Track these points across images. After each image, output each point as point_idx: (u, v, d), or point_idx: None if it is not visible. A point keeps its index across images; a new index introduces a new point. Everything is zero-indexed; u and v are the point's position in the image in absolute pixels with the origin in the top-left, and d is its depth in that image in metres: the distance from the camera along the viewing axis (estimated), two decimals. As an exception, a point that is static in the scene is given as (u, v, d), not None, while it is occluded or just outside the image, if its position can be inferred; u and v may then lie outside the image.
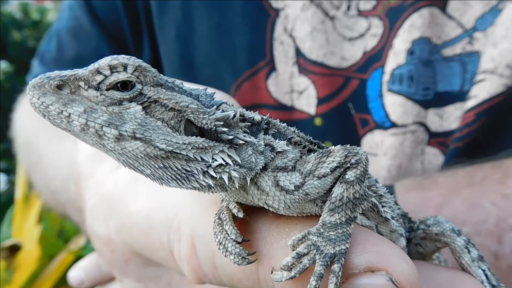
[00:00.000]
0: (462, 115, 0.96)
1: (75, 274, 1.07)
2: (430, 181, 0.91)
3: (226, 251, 0.54)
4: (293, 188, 0.55)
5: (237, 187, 0.55)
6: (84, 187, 0.79)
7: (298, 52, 1.04)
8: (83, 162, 0.80)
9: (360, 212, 0.53)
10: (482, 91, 0.93)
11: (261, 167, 0.55)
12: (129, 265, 0.74)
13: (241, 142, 0.54)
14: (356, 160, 0.54)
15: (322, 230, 0.52)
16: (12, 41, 3.65)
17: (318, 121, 1.04)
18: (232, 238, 0.54)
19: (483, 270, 0.63)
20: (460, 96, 0.98)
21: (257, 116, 0.58)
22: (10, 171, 2.97)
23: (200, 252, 0.59)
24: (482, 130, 0.94)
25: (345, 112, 1.04)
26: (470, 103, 0.94)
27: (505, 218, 0.81)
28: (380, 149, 1.01)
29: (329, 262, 0.49)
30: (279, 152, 0.57)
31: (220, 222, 0.57)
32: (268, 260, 0.53)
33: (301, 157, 0.57)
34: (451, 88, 0.99)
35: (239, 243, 0.54)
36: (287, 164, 0.56)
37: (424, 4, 0.98)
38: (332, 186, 0.54)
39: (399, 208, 0.67)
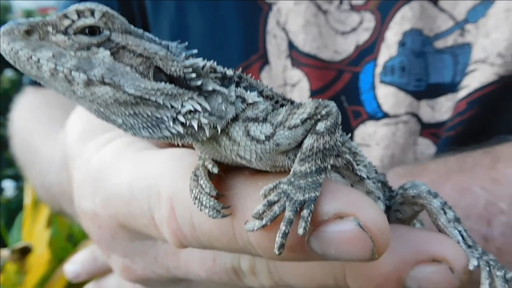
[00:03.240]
0: (454, 106, 0.98)
1: (71, 268, 1.09)
2: (421, 168, 0.92)
3: (201, 205, 0.56)
4: (263, 138, 0.57)
5: (207, 135, 0.56)
6: (72, 168, 0.80)
7: (291, 45, 1.06)
8: (71, 144, 0.81)
9: (331, 163, 0.55)
10: (473, 80, 0.94)
11: (231, 116, 0.57)
12: (115, 240, 0.75)
13: (210, 89, 0.56)
14: (326, 112, 0.55)
15: (292, 179, 0.53)
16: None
17: None
18: (206, 192, 0.56)
19: (459, 231, 0.64)
20: (452, 87, 0.99)
21: (229, 71, 0.60)
22: (19, 177, 3.01)
23: (179, 214, 0.60)
24: (473, 119, 0.95)
25: (338, 105, 1.06)
26: (462, 93, 0.95)
27: (494, 202, 0.82)
28: (372, 140, 1.02)
29: (298, 209, 0.51)
30: (250, 103, 0.58)
31: (195, 178, 0.58)
32: (242, 213, 0.54)
33: (273, 110, 0.59)
34: (443, 80, 1.00)
35: (213, 196, 0.56)
36: (258, 115, 0.58)
37: None
38: (304, 140, 0.56)
39: (376, 172, 0.68)
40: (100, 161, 0.73)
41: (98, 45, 0.53)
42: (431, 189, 0.67)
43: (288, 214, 0.51)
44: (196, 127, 0.55)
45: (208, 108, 0.56)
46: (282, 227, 0.50)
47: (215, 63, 0.59)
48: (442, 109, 1.00)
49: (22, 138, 1.33)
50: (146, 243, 0.75)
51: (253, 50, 1.09)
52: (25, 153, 1.32)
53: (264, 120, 0.58)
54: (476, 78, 0.94)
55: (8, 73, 3.53)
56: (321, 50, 1.05)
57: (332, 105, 0.56)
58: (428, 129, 1.02)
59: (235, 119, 0.58)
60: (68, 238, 2.38)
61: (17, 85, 3.41)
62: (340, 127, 0.57)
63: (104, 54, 0.53)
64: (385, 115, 1.01)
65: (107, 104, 0.53)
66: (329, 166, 0.55)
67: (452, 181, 0.86)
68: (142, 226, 0.68)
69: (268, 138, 0.57)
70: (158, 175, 0.64)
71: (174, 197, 0.61)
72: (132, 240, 0.75)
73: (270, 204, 0.52)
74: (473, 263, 0.59)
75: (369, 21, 1.04)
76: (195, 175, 0.59)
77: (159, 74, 0.55)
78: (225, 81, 0.59)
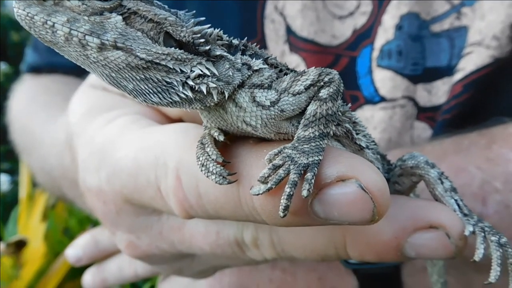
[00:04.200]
0: (450, 89, 0.99)
1: (72, 252, 1.10)
2: (418, 149, 0.93)
3: (208, 171, 0.57)
4: (269, 103, 0.58)
5: (215, 100, 0.58)
6: (77, 145, 0.81)
7: (289, 30, 1.07)
8: (74, 122, 0.82)
9: (333, 129, 0.57)
10: (469, 63, 0.95)
11: (238, 82, 0.59)
12: (120, 216, 0.76)
13: (218, 53, 0.58)
14: (329, 79, 0.57)
15: (296, 144, 0.55)
16: (12, 42, 3.66)
17: None
18: (213, 159, 0.57)
19: (455, 200, 0.66)
20: (448, 71, 1.00)
21: (235, 40, 0.61)
22: (13, 172, 3.00)
23: (185, 183, 0.61)
24: (469, 101, 0.96)
25: None
26: (458, 76, 0.96)
27: (489, 181, 0.83)
28: (370, 124, 1.03)
29: (302, 171, 0.52)
30: (256, 70, 0.60)
31: (202, 146, 0.60)
32: (247, 180, 0.55)
33: (277, 78, 0.61)
34: (440, 63, 1.01)
35: (219, 163, 0.57)
36: (263, 81, 0.60)
37: None
38: (307, 106, 0.58)
39: (374, 144, 0.70)
40: (105, 138, 0.74)
41: (111, 10, 0.54)
42: (429, 159, 0.68)
43: (292, 176, 0.52)
44: (205, 91, 0.57)
45: (216, 73, 0.57)
46: (287, 189, 0.51)
47: (221, 31, 0.61)
48: (439, 92, 1.01)
49: (21, 124, 1.34)
50: (151, 218, 0.76)
51: (251, 35, 1.09)
52: (24, 138, 1.32)
53: (269, 86, 0.59)
54: (471, 61, 0.95)
55: (2, 66, 3.51)
56: (318, 34, 1.06)
57: (335, 73, 0.58)
58: (425, 113, 1.02)
59: (241, 85, 0.59)
60: (64, 231, 2.38)
61: (11, 79, 3.39)
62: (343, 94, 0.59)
63: (116, 19, 0.54)
64: (382, 99, 1.02)
65: (119, 69, 0.55)
66: (331, 132, 0.57)
67: (448, 161, 0.87)
68: (148, 198, 0.69)
69: (273, 104, 0.58)
70: (164, 146, 0.65)
71: (180, 166, 0.62)
72: (137, 216, 0.76)
73: (275, 168, 0.53)
74: (469, 229, 0.62)
75: (366, 5, 1.05)
76: (202, 143, 0.60)
77: (169, 40, 0.57)
78: (231, 49, 0.61)
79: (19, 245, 2.14)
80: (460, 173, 0.85)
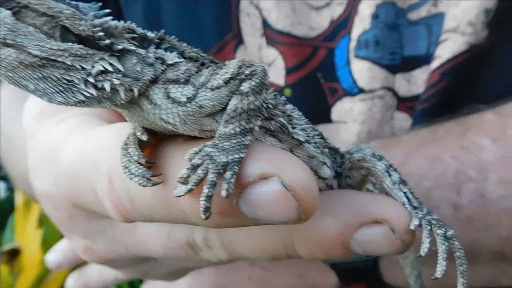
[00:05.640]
0: (428, 78, 0.97)
1: (52, 257, 1.08)
2: (394, 140, 0.91)
3: (131, 173, 0.55)
4: (185, 100, 0.55)
5: (123, 97, 0.54)
6: (29, 149, 0.78)
7: (265, 23, 1.05)
8: (27, 123, 0.80)
9: (258, 124, 0.54)
10: (445, 50, 0.93)
11: (149, 78, 0.55)
12: (72, 221, 0.74)
13: (120, 48, 0.54)
14: (250, 72, 0.54)
15: (217, 142, 0.52)
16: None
17: (287, 92, 1.05)
18: (135, 160, 0.55)
19: (404, 193, 0.63)
20: (427, 59, 0.98)
21: (150, 33, 0.58)
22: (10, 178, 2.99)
23: (117, 186, 0.59)
24: (447, 90, 0.94)
25: (314, 82, 1.04)
26: (434, 64, 0.94)
27: (464, 170, 0.81)
28: (349, 116, 1.01)
29: (222, 171, 0.49)
30: (171, 64, 0.56)
31: (125, 147, 0.57)
32: (173, 181, 0.52)
33: (197, 72, 0.57)
34: (418, 52, 0.99)
35: (142, 164, 0.54)
36: (179, 76, 0.56)
37: None
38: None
39: (320, 137, 0.67)
40: (52, 140, 0.71)
41: None
42: (376, 151, 0.65)
43: (210, 176, 0.49)
44: (108, 89, 0.53)
45: (122, 68, 0.54)
46: (205, 189, 0.49)
47: (133, 24, 0.57)
48: (418, 82, 0.99)
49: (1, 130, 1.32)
50: (103, 222, 0.73)
51: (227, 29, 1.07)
52: (3, 145, 1.31)
53: (187, 81, 0.56)
54: (448, 48, 0.92)
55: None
56: (295, 26, 1.04)
57: (258, 65, 0.54)
58: (405, 103, 1.00)
59: (154, 81, 0.56)
60: (61, 237, 2.36)
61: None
62: (268, 87, 0.56)
63: (4, 14, 0.50)
64: (361, 91, 1.00)
65: (14, 67, 0.51)
66: (256, 128, 0.53)
67: (423, 151, 0.85)
68: (90, 203, 0.66)
69: (189, 99, 0.55)
70: (101, 149, 0.62)
71: (111, 169, 0.59)
72: (88, 220, 0.73)
73: (194, 168, 0.50)
74: (415, 222, 0.58)
75: None
76: (125, 143, 0.57)
77: (68, 34, 0.53)
78: (144, 42, 0.57)
79: (13, 254, 2.13)
80: (435, 163, 0.83)
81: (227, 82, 0.54)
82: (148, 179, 0.54)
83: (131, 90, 0.54)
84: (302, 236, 0.58)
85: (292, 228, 0.58)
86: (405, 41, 0.98)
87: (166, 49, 0.57)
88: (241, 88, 0.53)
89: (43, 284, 2.14)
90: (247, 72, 0.54)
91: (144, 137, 0.57)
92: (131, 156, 0.55)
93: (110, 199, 0.60)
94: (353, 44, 1.00)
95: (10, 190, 2.86)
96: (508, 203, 0.79)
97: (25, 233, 2.31)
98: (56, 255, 1.12)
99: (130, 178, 0.55)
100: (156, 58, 0.56)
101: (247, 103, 0.53)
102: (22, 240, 2.24)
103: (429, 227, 0.59)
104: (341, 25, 1.03)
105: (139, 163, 0.55)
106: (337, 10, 1.03)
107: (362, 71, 0.99)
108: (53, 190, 0.71)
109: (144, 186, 0.54)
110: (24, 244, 2.19)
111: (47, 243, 2.22)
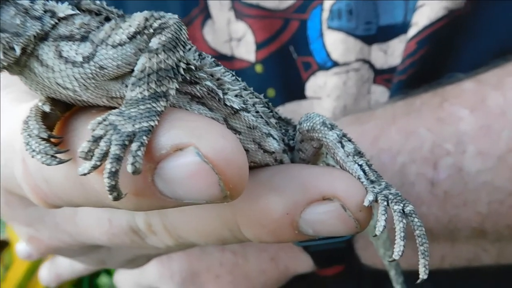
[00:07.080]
0: (405, 47, 0.91)
1: (22, 248, 1.04)
2: (368, 114, 0.86)
3: (32, 150, 0.48)
4: (81, 59, 0.47)
5: (2, 58, 0.47)
6: None
7: None
8: None
9: (172, 87, 0.46)
10: (422, 17, 0.87)
11: (33, 33, 0.47)
12: (10, 208, 0.69)
13: None
14: (160, 25, 0.46)
15: (123, 109, 0.45)
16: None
17: (259, 68, 0.99)
18: (35, 134, 0.48)
19: (360, 165, 0.55)
20: (404, 28, 0.92)
21: None
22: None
23: (32, 168, 0.52)
24: (425, 59, 0.88)
25: (287, 57, 0.99)
26: (411, 32, 0.88)
27: (440, 144, 0.76)
28: (323, 92, 0.96)
29: (127, 142, 0.43)
30: (63, 18, 0.49)
31: (26, 120, 0.50)
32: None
33: (98, 27, 0.49)
34: (394, 20, 0.93)
35: (44, 139, 0.48)
36: (73, 32, 0.48)
37: None
38: None
39: (264, 106, 0.59)
40: None
41: None
42: (327, 120, 0.57)
43: (113, 149, 0.42)
44: None
45: None
46: (108, 165, 0.42)
47: None
48: (395, 52, 0.93)
49: None
50: (39, 208, 0.67)
51: (193, 4, 1.01)
52: None
53: (84, 38, 0.48)
54: (424, 15, 0.86)
55: None
56: None
57: (169, 17, 0.47)
58: (382, 75, 0.94)
59: (44, 38, 0.48)
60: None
61: None
62: (186, 44, 0.48)
63: None
64: (335, 64, 0.94)
65: None
66: (171, 92, 0.46)
67: (398, 125, 0.80)
68: (16, 189, 0.60)
69: (87, 59, 0.47)
70: (17, 128, 0.55)
71: (24, 148, 0.52)
72: (25, 207, 0.68)
73: (96, 140, 0.43)
74: (369, 198, 0.51)
75: None
76: (28, 117, 0.50)
77: None
78: None
79: (2, 246, 2.10)
80: (410, 136, 0.78)
81: (131, 37, 0.46)
82: (52, 156, 0.47)
83: (12, 49, 0.47)
84: (246, 217, 0.51)
85: (236, 209, 0.52)
86: (381, 10, 0.92)
87: (57, 1, 0.50)
88: (150, 44, 0.46)
89: (34, 276, 2.11)
90: (155, 25, 0.46)
91: (47, 108, 0.50)
92: (31, 130, 0.49)
93: (27, 182, 0.54)
94: (325, 14, 0.94)
95: None
96: (486, 177, 0.74)
97: (14, 225, 2.28)
98: (25, 245, 1.08)
99: (32, 156, 0.48)
100: (45, 11, 0.48)
101: (156, 61, 0.45)
102: (11, 232, 2.21)
103: (385, 203, 0.52)
104: None
105: (41, 138, 0.48)
106: None
107: (336, 43, 0.94)
108: None
109: (48, 164, 0.47)
110: (13, 236, 2.16)
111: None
